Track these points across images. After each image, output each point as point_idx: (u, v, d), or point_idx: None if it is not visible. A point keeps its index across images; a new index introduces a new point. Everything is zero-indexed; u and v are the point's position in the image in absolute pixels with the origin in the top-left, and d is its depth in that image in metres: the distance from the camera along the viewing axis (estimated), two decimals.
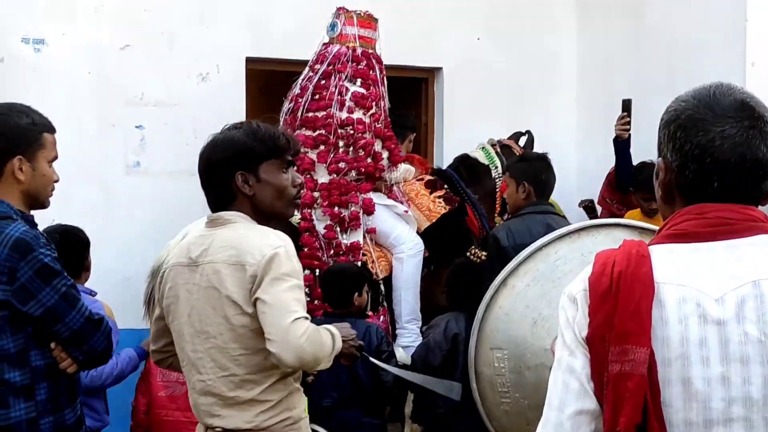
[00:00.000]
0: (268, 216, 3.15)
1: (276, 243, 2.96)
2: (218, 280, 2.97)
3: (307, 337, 2.88)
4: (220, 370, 3.02)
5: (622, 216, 6.50)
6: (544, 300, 2.98)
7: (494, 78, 7.77)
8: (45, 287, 3.10)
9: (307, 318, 2.93)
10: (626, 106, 6.24)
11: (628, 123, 6.20)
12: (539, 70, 7.93)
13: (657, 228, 3.21)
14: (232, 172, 3.07)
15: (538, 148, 6.35)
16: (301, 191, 3.29)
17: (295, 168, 3.34)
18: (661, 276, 1.86)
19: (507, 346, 3.06)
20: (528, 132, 7.19)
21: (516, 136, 7.14)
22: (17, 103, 3.36)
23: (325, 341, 3.00)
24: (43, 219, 6.02)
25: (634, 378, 1.79)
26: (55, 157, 3.33)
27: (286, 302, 2.88)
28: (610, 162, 6.70)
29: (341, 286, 5.17)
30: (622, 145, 6.26)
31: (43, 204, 3.34)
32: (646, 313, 1.82)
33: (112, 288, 6.49)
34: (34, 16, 6.49)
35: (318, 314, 5.38)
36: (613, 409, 1.81)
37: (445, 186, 6.45)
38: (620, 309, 1.84)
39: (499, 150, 6.88)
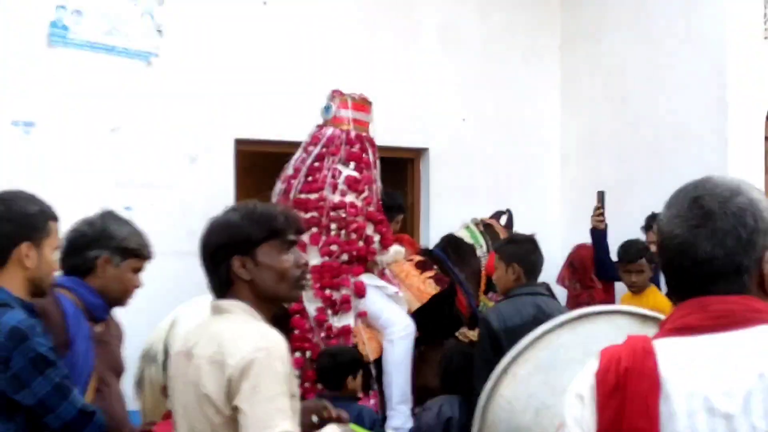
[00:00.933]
0: (271, 300, 2.97)
1: (259, 345, 2.73)
2: (199, 377, 2.80)
3: None
4: None
5: (582, 297, 6.57)
6: (547, 388, 2.96)
7: (480, 159, 7.88)
8: (38, 377, 3.07)
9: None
10: (600, 197, 6.28)
11: (602, 214, 6.25)
12: (524, 152, 8.04)
13: (657, 314, 3.25)
14: (228, 257, 2.91)
15: (523, 230, 6.40)
16: (306, 271, 3.06)
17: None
18: (667, 371, 1.88)
19: None
20: (508, 210, 7.28)
21: (497, 215, 7.23)
22: (23, 191, 3.38)
23: None
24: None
25: None
26: (58, 246, 3.34)
27: (267, 415, 2.66)
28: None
29: (337, 369, 5.15)
30: (599, 235, 6.31)
31: (44, 291, 3.32)
32: (654, 409, 1.84)
33: None
34: (25, 99, 6.53)
35: (310, 396, 5.35)
36: None
37: (435, 266, 6.47)
38: (628, 406, 1.85)
39: (482, 229, 6.94)
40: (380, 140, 6.63)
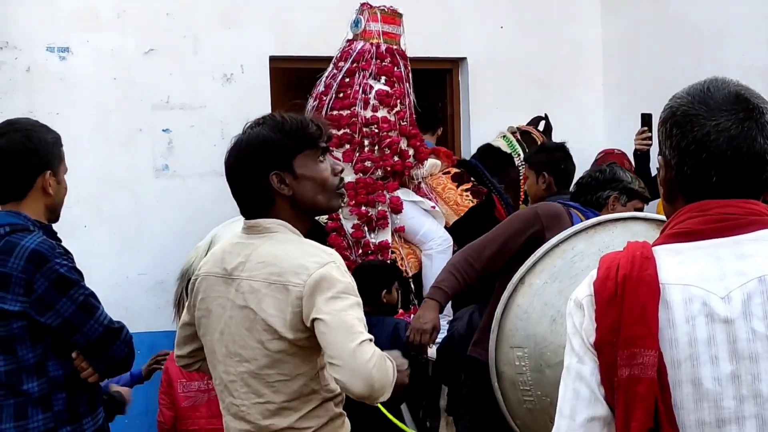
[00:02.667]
0: (312, 212, 2.89)
1: (324, 259, 2.69)
2: (255, 301, 2.72)
3: (375, 363, 2.58)
4: (255, 396, 2.78)
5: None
6: (562, 297, 2.94)
7: (520, 67, 7.73)
8: (62, 298, 3.10)
9: (372, 340, 2.64)
10: (646, 120, 6.09)
11: (649, 138, 6.09)
12: (564, 59, 7.88)
13: None
14: (265, 174, 2.76)
15: (565, 138, 6.32)
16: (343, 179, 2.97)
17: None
18: (666, 277, 1.85)
19: (527, 344, 3.03)
20: (546, 116, 7.17)
21: (535, 122, 7.14)
22: (33, 120, 3.41)
23: (389, 368, 2.67)
24: (75, 226, 6.14)
25: (643, 381, 1.78)
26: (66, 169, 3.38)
27: (350, 322, 2.60)
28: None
29: (370, 283, 5.14)
30: (641, 158, 6.18)
31: (57, 217, 3.37)
32: (652, 315, 1.81)
33: (146, 292, 6.58)
34: (59, 25, 6.54)
35: None
36: (625, 414, 1.80)
37: (472, 178, 6.42)
38: (626, 313, 1.82)
39: (519, 137, 6.85)
40: (417, 51, 6.55)
